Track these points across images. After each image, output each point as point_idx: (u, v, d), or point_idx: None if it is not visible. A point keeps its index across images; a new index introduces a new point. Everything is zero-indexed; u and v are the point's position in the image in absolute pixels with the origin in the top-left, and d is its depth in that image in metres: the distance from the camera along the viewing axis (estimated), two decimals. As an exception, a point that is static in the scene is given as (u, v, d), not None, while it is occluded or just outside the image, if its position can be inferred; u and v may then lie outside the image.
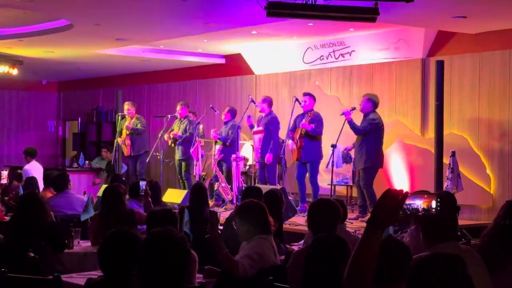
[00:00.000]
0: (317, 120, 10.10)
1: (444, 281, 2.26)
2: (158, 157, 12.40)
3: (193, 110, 12.83)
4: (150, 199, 7.16)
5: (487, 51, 9.90)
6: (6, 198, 8.40)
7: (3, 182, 7.29)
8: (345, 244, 3.41)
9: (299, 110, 10.46)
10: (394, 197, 2.34)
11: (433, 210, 2.38)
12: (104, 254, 3.43)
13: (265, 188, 8.00)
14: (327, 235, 3.58)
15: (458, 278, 2.27)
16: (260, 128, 10.77)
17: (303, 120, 10.08)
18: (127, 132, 12.44)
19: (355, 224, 8.70)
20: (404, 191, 2.37)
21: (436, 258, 2.33)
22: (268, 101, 10.93)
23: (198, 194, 6.96)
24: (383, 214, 2.34)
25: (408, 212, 2.38)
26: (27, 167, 11.05)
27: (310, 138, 10.08)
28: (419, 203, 2.39)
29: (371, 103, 9.52)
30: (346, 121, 9.41)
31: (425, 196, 2.41)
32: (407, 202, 2.36)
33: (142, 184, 7.30)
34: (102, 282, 3.45)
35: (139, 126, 12.48)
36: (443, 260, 2.32)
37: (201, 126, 12.05)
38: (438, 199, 2.39)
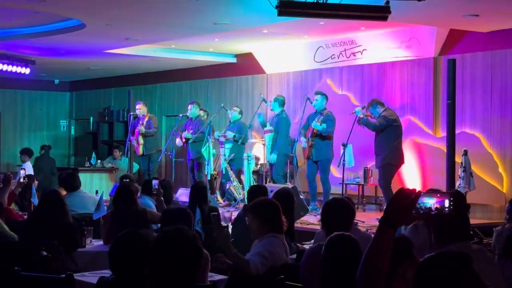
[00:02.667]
0: (329, 120, 10.08)
1: (449, 279, 2.25)
2: (170, 156, 12.44)
3: (204, 109, 12.86)
4: (162, 198, 7.18)
5: (499, 49, 9.85)
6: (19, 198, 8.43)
7: (22, 181, 7.33)
8: (357, 243, 3.41)
9: (310, 109, 10.46)
10: (407, 197, 2.34)
11: (446, 209, 2.37)
12: (114, 255, 3.43)
13: (276, 187, 8.00)
14: (344, 233, 3.58)
15: (463, 276, 2.26)
16: (271, 127, 10.78)
17: (316, 119, 10.07)
18: (140, 133, 12.50)
19: (367, 223, 8.68)
20: (417, 190, 2.37)
21: (441, 257, 2.32)
22: (280, 101, 10.94)
23: (197, 193, 6.97)
24: (395, 213, 2.34)
25: (421, 212, 2.37)
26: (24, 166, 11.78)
27: (322, 137, 10.07)
28: (432, 203, 2.38)
29: (376, 107, 9.48)
30: (359, 118, 9.38)
31: (438, 195, 2.39)
32: (420, 201, 2.36)
33: (155, 183, 7.32)
34: (114, 281, 3.46)
35: (151, 127, 12.51)
36: (448, 258, 2.31)
37: (212, 126, 12.06)
38: (451, 199, 2.38)
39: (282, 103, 10.97)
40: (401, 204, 2.34)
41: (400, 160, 9.46)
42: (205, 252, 4.25)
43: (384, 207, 9.31)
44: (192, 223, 4.60)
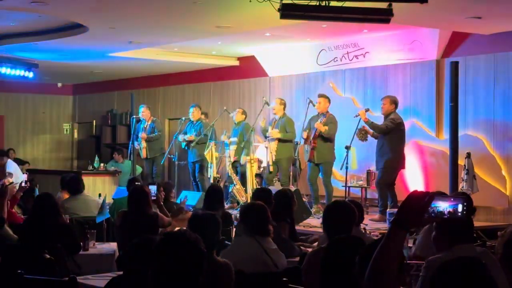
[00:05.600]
0: (332, 123, 10.09)
1: (469, 286, 2.21)
2: (173, 159, 12.45)
3: (205, 112, 12.85)
4: (162, 203, 7.15)
5: (502, 52, 9.84)
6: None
7: (23, 185, 7.35)
8: (363, 244, 3.40)
9: (313, 112, 10.45)
10: (420, 199, 2.31)
11: (459, 214, 2.34)
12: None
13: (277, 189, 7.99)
14: (344, 236, 3.57)
15: (483, 283, 2.23)
16: (277, 130, 10.75)
17: (318, 122, 10.07)
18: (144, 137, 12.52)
19: (370, 225, 8.67)
20: (430, 193, 2.33)
21: (460, 262, 2.28)
22: (284, 104, 10.97)
23: (213, 195, 6.97)
24: (408, 215, 2.31)
25: (433, 215, 2.34)
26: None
27: (323, 139, 10.07)
28: (445, 206, 2.35)
29: (394, 104, 9.52)
30: (363, 122, 9.38)
31: (452, 199, 2.37)
32: (433, 204, 2.33)
33: (152, 189, 7.20)
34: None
35: (155, 132, 12.52)
36: (468, 264, 2.27)
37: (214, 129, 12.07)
38: (465, 203, 2.36)
39: (285, 106, 11.02)
40: (414, 206, 2.31)
41: (402, 164, 9.49)
42: (226, 262, 4.22)
43: (379, 208, 9.32)
44: (220, 229, 4.53)
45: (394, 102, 9.52)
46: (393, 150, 9.34)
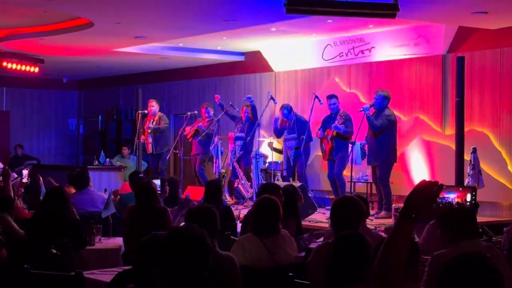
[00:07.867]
0: (348, 120, 10.19)
1: (475, 281, 2.19)
2: (179, 155, 12.47)
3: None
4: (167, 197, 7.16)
5: (508, 47, 9.81)
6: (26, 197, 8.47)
7: (24, 181, 7.34)
8: (366, 242, 3.40)
9: (318, 107, 10.45)
10: (429, 188, 2.25)
11: (468, 204, 2.33)
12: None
13: (283, 185, 8.00)
14: (351, 232, 3.57)
15: (488, 277, 2.21)
16: (295, 135, 10.80)
17: (336, 122, 10.15)
18: (149, 131, 12.53)
19: (375, 221, 8.68)
20: (439, 183, 2.28)
21: (463, 258, 2.26)
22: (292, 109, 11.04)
23: (211, 191, 6.97)
24: (416, 205, 2.25)
25: (441, 205, 2.32)
26: None
27: (342, 138, 10.16)
28: (453, 197, 2.33)
29: (387, 100, 9.54)
30: (365, 117, 9.41)
31: (460, 189, 2.35)
32: (441, 195, 2.30)
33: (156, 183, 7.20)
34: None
35: (162, 124, 12.56)
36: (471, 260, 2.25)
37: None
38: (474, 193, 2.34)
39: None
40: (422, 196, 2.24)
41: (396, 157, 9.69)
42: (229, 254, 4.21)
43: (384, 204, 9.38)
44: (217, 222, 4.50)
45: (387, 98, 9.53)
46: (389, 146, 9.48)
